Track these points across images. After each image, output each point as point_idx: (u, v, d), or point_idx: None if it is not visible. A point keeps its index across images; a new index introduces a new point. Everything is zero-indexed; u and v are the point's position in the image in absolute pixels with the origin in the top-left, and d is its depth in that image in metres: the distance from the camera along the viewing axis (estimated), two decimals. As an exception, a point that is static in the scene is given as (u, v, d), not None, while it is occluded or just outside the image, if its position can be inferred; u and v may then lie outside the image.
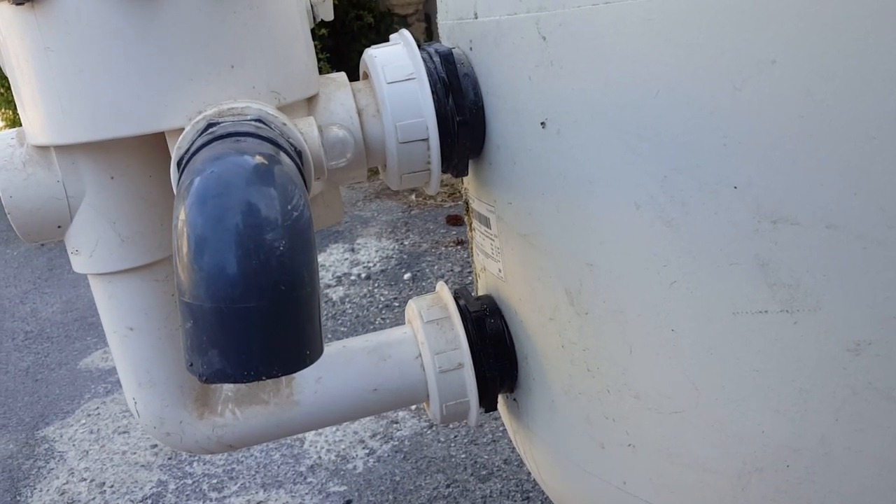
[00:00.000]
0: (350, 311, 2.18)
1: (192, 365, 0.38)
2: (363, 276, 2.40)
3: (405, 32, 0.66)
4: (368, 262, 2.49)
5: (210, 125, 0.51)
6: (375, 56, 0.64)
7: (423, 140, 0.63)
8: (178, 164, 0.50)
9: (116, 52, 0.53)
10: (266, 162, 0.42)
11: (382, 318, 2.11)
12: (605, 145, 0.54)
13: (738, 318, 0.51)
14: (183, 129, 0.54)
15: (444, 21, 0.72)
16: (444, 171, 0.67)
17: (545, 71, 0.56)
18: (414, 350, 0.71)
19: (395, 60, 0.64)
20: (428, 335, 0.70)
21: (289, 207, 0.39)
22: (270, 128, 0.51)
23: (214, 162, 0.41)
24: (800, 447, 0.52)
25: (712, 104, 0.48)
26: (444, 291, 0.74)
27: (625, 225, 0.55)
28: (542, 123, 0.58)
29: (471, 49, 0.65)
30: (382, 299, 2.23)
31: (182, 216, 0.40)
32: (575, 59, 0.54)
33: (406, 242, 2.62)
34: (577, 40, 0.53)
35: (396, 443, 1.58)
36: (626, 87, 0.51)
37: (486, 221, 0.71)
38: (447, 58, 0.64)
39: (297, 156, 0.51)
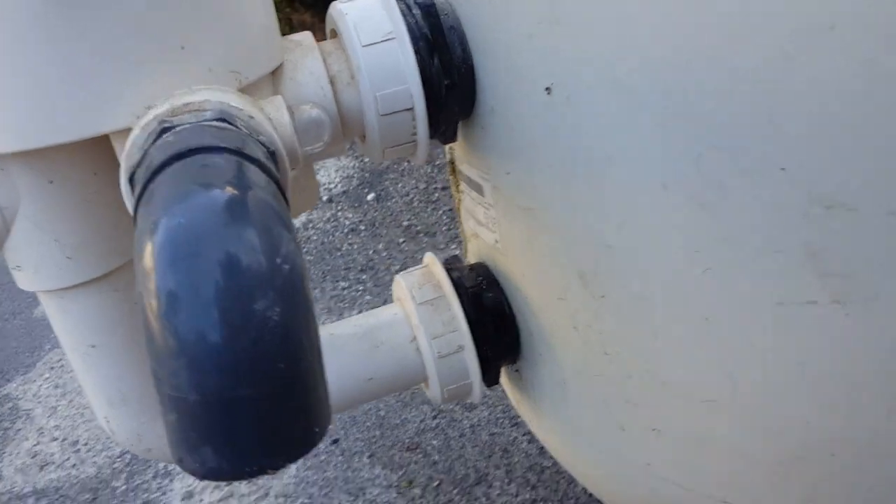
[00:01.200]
0: (315, 237, 2.10)
1: (182, 461, 0.32)
2: (325, 198, 2.31)
3: (378, -17, 0.57)
4: (329, 183, 2.39)
5: (164, 129, 0.42)
6: (346, 13, 0.55)
7: (407, 110, 0.55)
8: (131, 178, 0.42)
9: (39, 43, 0.43)
10: (238, 192, 0.34)
11: (349, 244, 2.04)
12: (625, 118, 0.47)
13: (782, 309, 0.46)
14: (130, 129, 0.45)
15: (418, -39, 0.62)
16: (430, 138, 0.59)
17: (550, 29, 0.48)
18: (407, 332, 0.66)
19: (369, 17, 0.54)
20: (423, 318, 0.64)
21: (278, 261, 0.32)
22: (236, 126, 0.43)
23: (179, 204, 0.33)
24: (847, 438, 0.48)
25: (758, 74, 0.41)
26: (434, 266, 0.68)
27: (650, 207, 0.48)
28: (548, 89, 0.50)
29: (455, -2, 0.56)
30: (347, 223, 2.15)
31: (149, 268, 0.32)
32: (587, 15, 0.46)
33: (366, 160, 2.52)
34: (592, -3, 0.45)
35: (377, 377, 1.55)
36: (652, 52, 0.44)
37: (478, 188, 0.64)
38: (429, 9, 0.55)
39: (272, 158, 0.43)
